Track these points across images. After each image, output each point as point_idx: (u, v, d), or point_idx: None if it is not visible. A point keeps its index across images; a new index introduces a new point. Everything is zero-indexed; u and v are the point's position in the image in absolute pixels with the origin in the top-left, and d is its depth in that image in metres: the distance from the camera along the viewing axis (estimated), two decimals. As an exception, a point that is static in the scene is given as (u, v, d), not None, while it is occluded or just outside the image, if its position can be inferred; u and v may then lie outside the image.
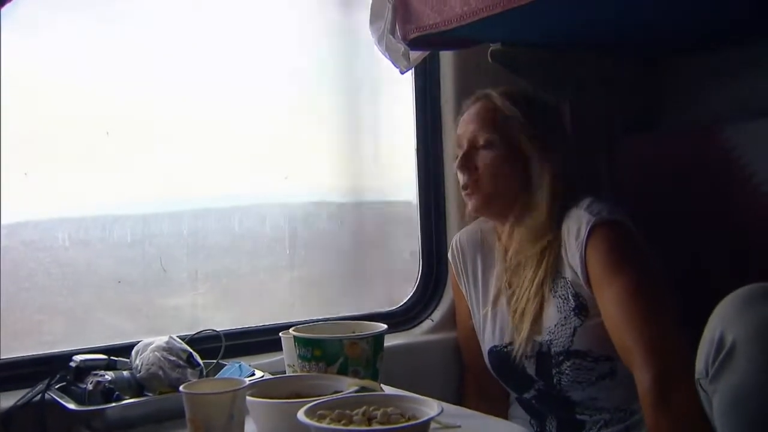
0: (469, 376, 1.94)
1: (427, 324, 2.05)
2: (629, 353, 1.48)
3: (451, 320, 2.01)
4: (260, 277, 1.98)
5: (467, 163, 1.71)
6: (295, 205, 2.01)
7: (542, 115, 1.73)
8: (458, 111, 1.83)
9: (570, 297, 1.62)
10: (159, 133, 1.79)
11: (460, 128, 1.76)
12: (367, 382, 1.34)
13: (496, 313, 1.76)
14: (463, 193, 1.74)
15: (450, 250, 1.91)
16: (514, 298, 1.70)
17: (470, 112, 1.75)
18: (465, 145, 1.73)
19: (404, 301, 2.09)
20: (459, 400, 1.90)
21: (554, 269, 1.64)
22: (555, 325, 1.64)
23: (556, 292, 1.64)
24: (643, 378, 1.43)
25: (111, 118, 1.73)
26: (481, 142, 1.70)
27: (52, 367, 1.50)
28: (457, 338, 1.97)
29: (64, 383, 1.46)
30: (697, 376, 1.25)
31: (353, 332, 1.51)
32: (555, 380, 1.66)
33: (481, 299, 1.82)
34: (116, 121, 1.74)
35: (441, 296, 2.07)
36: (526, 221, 1.68)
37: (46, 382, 1.45)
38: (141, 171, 1.78)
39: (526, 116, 1.69)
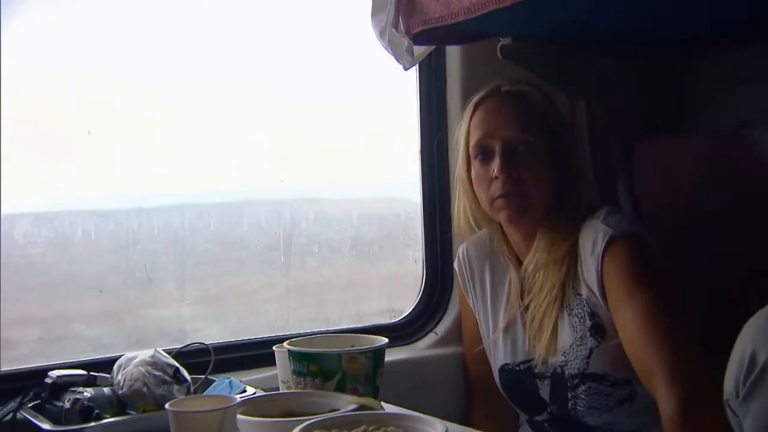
0: (476, 394, 1.91)
1: (431, 338, 2.03)
2: (650, 375, 1.45)
3: (456, 334, 1.99)
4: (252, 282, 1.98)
5: (510, 168, 1.61)
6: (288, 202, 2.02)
7: (564, 115, 1.72)
8: (465, 107, 1.77)
9: (586, 316, 1.59)
10: (143, 125, 1.79)
11: (483, 125, 1.65)
12: (366, 400, 1.33)
13: (508, 328, 1.73)
14: (498, 201, 1.63)
15: (456, 260, 1.88)
16: (532, 305, 1.67)
17: (496, 106, 1.66)
18: (497, 146, 1.62)
19: (407, 312, 2.07)
20: (465, 420, 1.89)
21: (570, 284, 1.61)
22: (570, 346, 1.61)
23: (572, 310, 1.61)
24: (666, 402, 1.40)
25: (93, 110, 1.74)
26: (522, 146, 1.62)
27: (25, 383, 1.47)
28: (464, 353, 1.95)
29: (38, 401, 1.43)
30: (726, 397, 1.22)
31: (352, 346, 1.49)
32: (570, 404, 1.64)
33: (491, 313, 1.79)
34: (99, 114, 1.74)
35: (446, 308, 2.06)
36: (555, 227, 1.63)
37: (18, 400, 1.42)
38: (125, 165, 1.78)
39: (562, 115, 1.67)
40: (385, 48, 1.73)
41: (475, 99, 1.70)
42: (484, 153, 1.65)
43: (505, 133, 1.63)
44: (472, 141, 1.67)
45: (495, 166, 1.62)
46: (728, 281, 1.77)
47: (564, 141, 1.68)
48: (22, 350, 1.63)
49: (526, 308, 1.69)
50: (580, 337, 1.60)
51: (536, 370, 1.66)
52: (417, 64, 1.86)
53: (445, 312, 2.05)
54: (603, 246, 1.54)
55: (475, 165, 1.67)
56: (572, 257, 1.61)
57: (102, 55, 1.76)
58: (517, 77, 1.73)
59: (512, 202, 1.62)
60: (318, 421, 1.14)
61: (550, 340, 1.62)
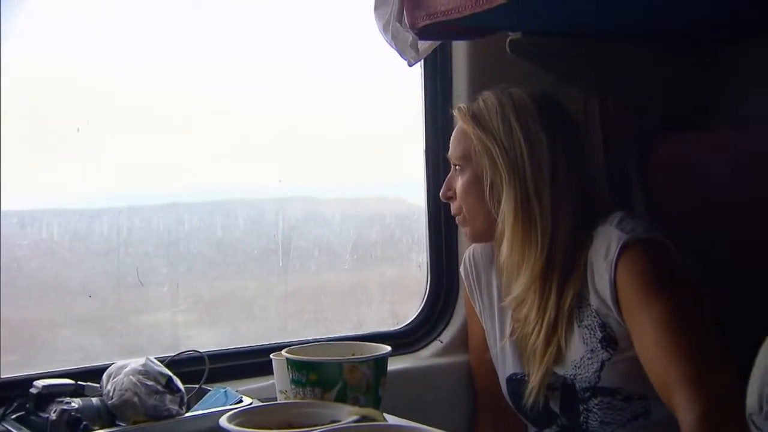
0: (483, 405, 1.89)
1: (435, 346, 2.01)
2: (670, 390, 1.42)
3: (462, 342, 1.98)
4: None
5: (447, 188, 1.73)
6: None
7: (526, 127, 1.62)
8: None
9: (596, 328, 1.57)
10: (135, 121, 1.79)
11: None
12: (368, 411, 1.32)
13: (516, 337, 1.71)
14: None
15: (462, 264, 1.87)
16: (522, 334, 1.67)
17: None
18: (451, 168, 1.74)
19: (410, 319, 2.05)
20: None
21: (581, 293, 1.58)
22: (581, 359, 1.59)
23: (581, 321, 1.59)
24: (687, 418, 1.37)
25: (83, 106, 1.73)
26: (460, 165, 1.69)
27: (8, 393, 1.46)
28: (470, 362, 1.93)
29: (22, 412, 1.41)
30: (748, 411, 1.19)
31: (353, 354, 1.49)
32: (582, 418, 1.61)
33: (498, 321, 1.77)
34: (88, 110, 1.73)
35: (451, 315, 2.03)
36: (521, 258, 1.62)
37: (0, 411, 1.41)
38: (115, 163, 1.78)
39: (488, 131, 1.63)
40: (389, 43, 1.74)
41: None
42: None
43: (450, 152, 1.72)
44: None
45: None
46: (755, 289, 1.74)
47: (498, 158, 1.62)
48: (6, 358, 1.60)
49: (521, 328, 1.68)
50: (591, 350, 1.57)
51: (535, 394, 1.62)
52: (422, 61, 1.86)
53: (450, 319, 2.03)
54: (616, 252, 1.51)
55: None
56: (576, 271, 1.58)
57: (93, 49, 1.76)
58: (526, 74, 1.72)
59: (459, 222, 1.74)
60: (318, 433, 1.13)
61: (554, 355, 1.60)
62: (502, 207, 1.61)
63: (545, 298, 1.60)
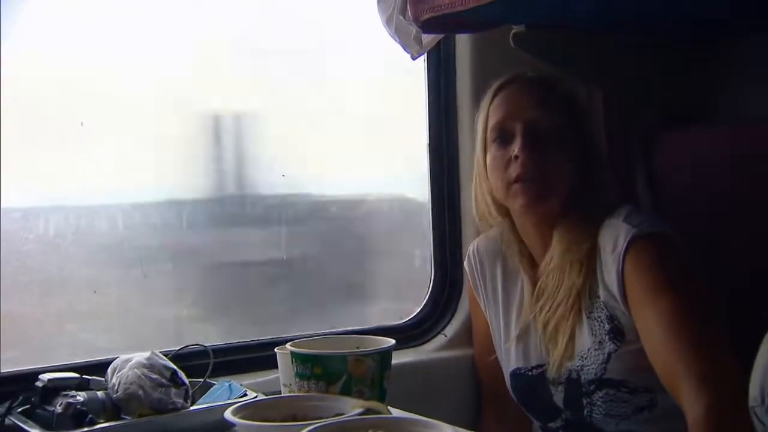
0: (487, 398, 1.89)
1: (439, 340, 2.01)
2: (676, 382, 1.41)
3: (466, 335, 1.97)
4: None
5: (531, 149, 1.57)
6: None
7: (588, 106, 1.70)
8: (475, 99, 1.76)
9: (604, 319, 1.57)
10: (138, 117, 1.79)
11: (504, 107, 1.62)
12: (373, 404, 1.32)
13: (521, 331, 1.71)
14: (515, 186, 1.58)
15: (466, 258, 1.86)
16: (546, 308, 1.64)
17: (519, 90, 1.63)
18: (519, 127, 1.59)
19: (414, 313, 2.05)
20: (475, 426, 1.87)
21: (588, 286, 1.59)
22: (588, 350, 1.59)
23: (591, 313, 1.59)
24: (693, 410, 1.36)
25: (86, 102, 1.73)
26: (545, 128, 1.59)
27: (15, 387, 1.45)
28: (474, 356, 1.93)
29: (28, 406, 1.40)
30: (751, 404, 1.19)
31: (357, 348, 1.47)
32: (585, 411, 1.61)
33: (503, 315, 1.76)
34: (92, 106, 1.73)
35: (455, 308, 2.03)
36: (573, 226, 1.61)
37: (6, 405, 1.40)
38: (114, 159, 1.77)
39: (587, 105, 1.66)
40: (392, 36, 1.72)
41: (497, 83, 1.67)
42: (503, 135, 1.62)
43: (527, 114, 1.60)
44: (491, 123, 1.63)
45: (515, 146, 1.58)
46: (754, 284, 1.73)
47: (588, 132, 1.66)
48: (11, 352, 1.60)
49: (540, 311, 1.66)
50: (599, 342, 1.57)
51: (550, 376, 1.64)
52: (425, 54, 1.84)
53: (454, 313, 2.03)
54: (624, 246, 1.51)
55: (492, 149, 1.63)
56: (591, 258, 1.59)
57: (95, 44, 1.76)
58: (530, 66, 1.70)
59: (530, 186, 1.58)
60: (323, 425, 1.13)
61: (566, 347, 1.59)
62: (598, 180, 1.63)
63: (581, 271, 1.59)
